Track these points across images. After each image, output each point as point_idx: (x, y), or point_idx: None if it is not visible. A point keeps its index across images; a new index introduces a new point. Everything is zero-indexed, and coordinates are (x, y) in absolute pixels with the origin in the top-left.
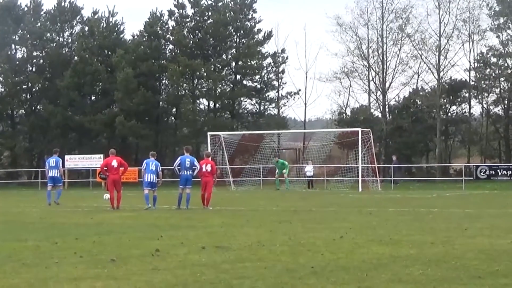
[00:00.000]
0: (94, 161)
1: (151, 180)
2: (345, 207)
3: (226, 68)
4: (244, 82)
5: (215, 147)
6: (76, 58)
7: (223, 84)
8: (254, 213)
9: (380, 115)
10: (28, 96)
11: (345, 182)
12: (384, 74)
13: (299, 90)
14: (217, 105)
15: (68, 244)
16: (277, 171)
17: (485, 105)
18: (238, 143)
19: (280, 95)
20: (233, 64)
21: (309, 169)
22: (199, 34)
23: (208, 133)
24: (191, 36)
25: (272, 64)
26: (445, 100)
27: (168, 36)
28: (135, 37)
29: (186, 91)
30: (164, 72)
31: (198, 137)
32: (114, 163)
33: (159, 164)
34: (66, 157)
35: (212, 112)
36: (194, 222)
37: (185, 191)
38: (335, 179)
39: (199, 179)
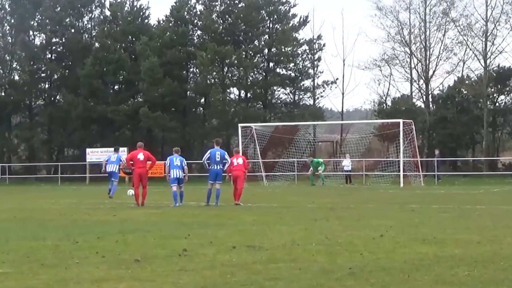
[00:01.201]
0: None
1: (177, 176)
2: (385, 203)
3: (258, 55)
4: (278, 70)
5: (246, 139)
6: (97, 45)
7: (255, 72)
8: (288, 210)
9: (422, 105)
10: (46, 85)
11: (386, 177)
12: (427, 62)
13: (336, 78)
14: (249, 95)
15: (89, 243)
16: (311, 169)
17: None
18: (270, 136)
19: (315, 84)
20: (266, 51)
21: (346, 163)
22: (230, 19)
23: (239, 125)
24: (221, 21)
25: (308, 51)
26: (492, 89)
27: (196, 21)
28: (161, 22)
29: (215, 80)
30: (192, 60)
31: (228, 129)
32: (141, 156)
33: (184, 159)
34: (88, 150)
35: (243, 102)
36: (223, 220)
37: (214, 186)
38: (374, 173)
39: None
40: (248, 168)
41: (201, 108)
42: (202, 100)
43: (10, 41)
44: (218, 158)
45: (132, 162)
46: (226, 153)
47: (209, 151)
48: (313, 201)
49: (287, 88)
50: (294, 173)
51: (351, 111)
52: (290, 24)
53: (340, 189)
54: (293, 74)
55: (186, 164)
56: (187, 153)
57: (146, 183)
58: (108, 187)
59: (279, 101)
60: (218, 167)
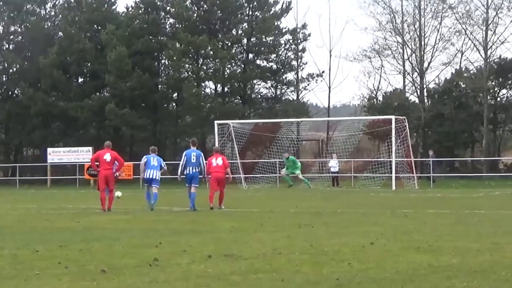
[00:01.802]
0: (81, 155)
1: (152, 176)
2: (376, 208)
3: (237, 45)
4: (258, 62)
5: (224, 138)
6: (60, 34)
7: (233, 64)
8: (269, 216)
9: (417, 101)
10: (4, 78)
11: (376, 179)
12: (422, 53)
13: (322, 71)
14: (226, 89)
15: (51, 252)
16: (284, 169)
17: None
18: (250, 134)
19: (299, 77)
20: (245, 41)
21: (333, 164)
22: (205, 6)
23: (215, 122)
24: (195, 8)
25: (291, 41)
26: (493, 83)
27: (168, 8)
28: (129, 9)
29: (189, 72)
30: (164, 51)
31: (203, 127)
32: (107, 157)
33: (162, 159)
34: (49, 150)
35: (220, 97)
36: (198, 227)
37: (189, 189)
38: (364, 175)
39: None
40: (228, 170)
41: (174, 104)
42: (175, 95)
43: None
44: (193, 159)
45: (97, 163)
46: (202, 154)
47: (184, 153)
48: (296, 206)
49: (268, 81)
50: (276, 174)
51: (338, 107)
52: (271, 12)
53: (327, 192)
54: (274, 66)
55: (165, 164)
56: (158, 153)
57: (113, 186)
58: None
59: (259, 96)
60: (194, 169)
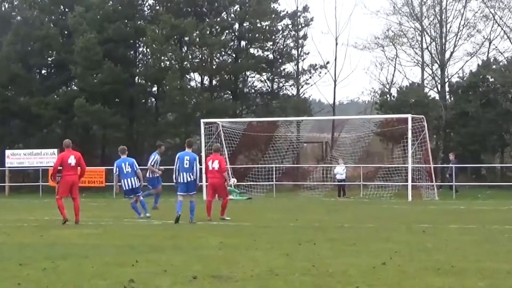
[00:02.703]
0: (45, 158)
1: (132, 186)
2: (388, 222)
3: (227, 31)
4: (252, 50)
5: (211, 139)
6: (19, 18)
7: (223, 53)
8: (264, 231)
9: (437, 97)
10: None
11: (389, 188)
12: (443, 41)
13: (327, 62)
14: (214, 82)
15: (9, 272)
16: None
17: None
18: (242, 135)
19: (300, 69)
20: (236, 26)
21: (339, 170)
22: None
23: (202, 121)
24: None
25: (290, 26)
26: None
27: None
28: None
29: (172, 62)
30: (142, 37)
31: (187, 126)
32: (72, 161)
33: (135, 161)
34: (7, 152)
35: (208, 91)
36: (182, 242)
37: (186, 198)
38: (375, 183)
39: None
40: (225, 174)
41: (153, 99)
42: (154, 88)
43: None
44: (186, 164)
45: (60, 167)
46: (197, 158)
47: (177, 156)
48: (296, 219)
49: (264, 73)
50: (272, 182)
51: (345, 104)
52: None
53: (331, 203)
54: (271, 56)
55: (138, 167)
56: (135, 157)
57: (78, 194)
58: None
59: (253, 91)
60: (189, 176)
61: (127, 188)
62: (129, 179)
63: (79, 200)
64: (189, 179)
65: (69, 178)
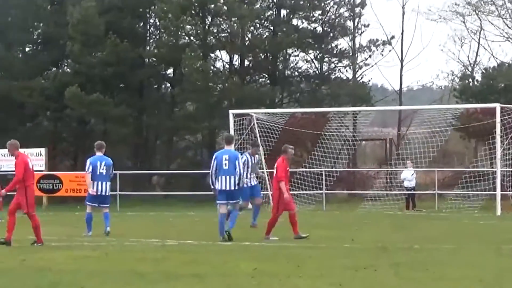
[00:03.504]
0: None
1: (101, 192)
2: (471, 242)
3: None
4: (294, 22)
5: (243, 135)
6: None
7: (257, 25)
8: (311, 253)
9: None
10: None
11: (473, 199)
12: None
13: (392, 37)
14: (247, 63)
15: None
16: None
17: None
18: (283, 130)
19: (358, 46)
20: None
21: (408, 176)
22: None
23: (231, 112)
24: None
25: None
26: None
27: None
28: None
29: (192, 38)
30: (153, 6)
31: (212, 118)
32: (31, 165)
33: (111, 163)
34: None
35: (238, 74)
36: (204, 269)
37: (226, 208)
38: (454, 193)
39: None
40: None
41: (168, 85)
42: (170, 71)
43: None
44: (226, 165)
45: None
46: (239, 156)
47: (214, 156)
48: (352, 238)
49: (310, 51)
50: (321, 191)
51: (415, 90)
52: None
53: (397, 218)
54: (319, 29)
55: (113, 170)
56: (145, 158)
57: (34, 209)
58: None
59: (296, 74)
60: (229, 181)
61: (94, 193)
62: (100, 183)
63: (36, 215)
64: (229, 184)
65: (33, 187)
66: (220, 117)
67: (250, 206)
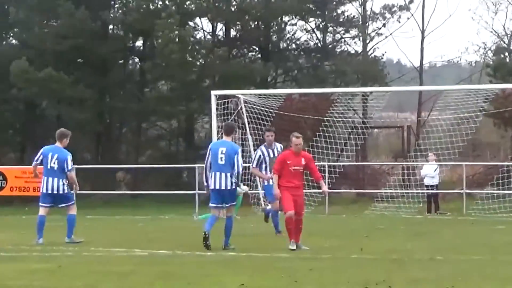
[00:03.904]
0: None
1: (52, 190)
2: (508, 252)
3: None
4: None
5: (229, 121)
6: None
7: None
8: (311, 265)
9: None
10: None
11: (509, 199)
12: None
13: (410, 1)
14: (233, 33)
15: None
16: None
17: None
18: (277, 115)
19: (369, 12)
20: None
21: (429, 171)
22: None
23: (213, 93)
24: None
25: None
26: None
27: None
28: None
29: (167, 1)
30: None
31: (190, 101)
32: None
33: (70, 157)
34: None
35: (222, 46)
36: (179, 284)
37: (220, 212)
38: (486, 192)
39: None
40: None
41: (137, 60)
42: (139, 43)
43: None
44: (221, 160)
45: None
46: (239, 151)
47: (209, 147)
48: (361, 248)
49: (311, 19)
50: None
51: (439, 67)
52: None
53: (416, 223)
54: None
55: (71, 166)
56: (108, 150)
57: None
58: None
59: (293, 46)
60: (225, 179)
61: (44, 191)
62: (49, 180)
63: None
64: (224, 183)
65: None
66: (201, 100)
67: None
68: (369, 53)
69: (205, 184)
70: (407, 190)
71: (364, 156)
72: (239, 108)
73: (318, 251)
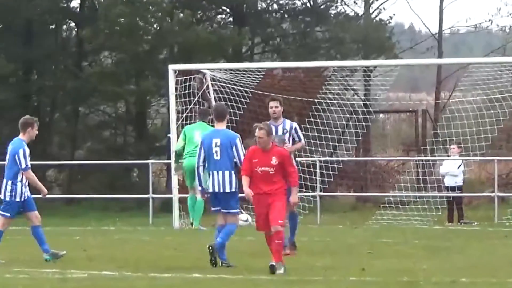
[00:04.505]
0: None
1: (4, 197)
2: None
3: None
4: None
5: (190, 104)
6: None
7: None
8: None
9: None
10: None
11: None
12: None
13: None
14: None
15: None
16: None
17: None
18: (253, 95)
19: None
20: None
21: (451, 168)
22: None
23: (171, 67)
24: None
25: None
26: None
27: None
28: None
29: None
30: None
31: (142, 78)
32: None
33: (25, 149)
34: None
35: (183, 8)
36: None
37: (222, 219)
38: None
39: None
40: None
41: (73, 25)
42: (75, 3)
43: None
44: (216, 154)
45: None
46: (238, 141)
47: (201, 140)
48: (363, 268)
49: None
50: (315, 193)
51: (462, 34)
52: None
53: (435, 235)
54: None
55: (27, 165)
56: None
57: None
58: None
59: (275, 7)
60: (222, 178)
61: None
62: (8, 182)
63: None
64: (222, 184)
65: None
66: (155, 76)
67: None
68: (373, 15)
69: (199, 188)
70: (422, 193)
71: (367, 150)
72: (205, 87)
73: (307, 272)
